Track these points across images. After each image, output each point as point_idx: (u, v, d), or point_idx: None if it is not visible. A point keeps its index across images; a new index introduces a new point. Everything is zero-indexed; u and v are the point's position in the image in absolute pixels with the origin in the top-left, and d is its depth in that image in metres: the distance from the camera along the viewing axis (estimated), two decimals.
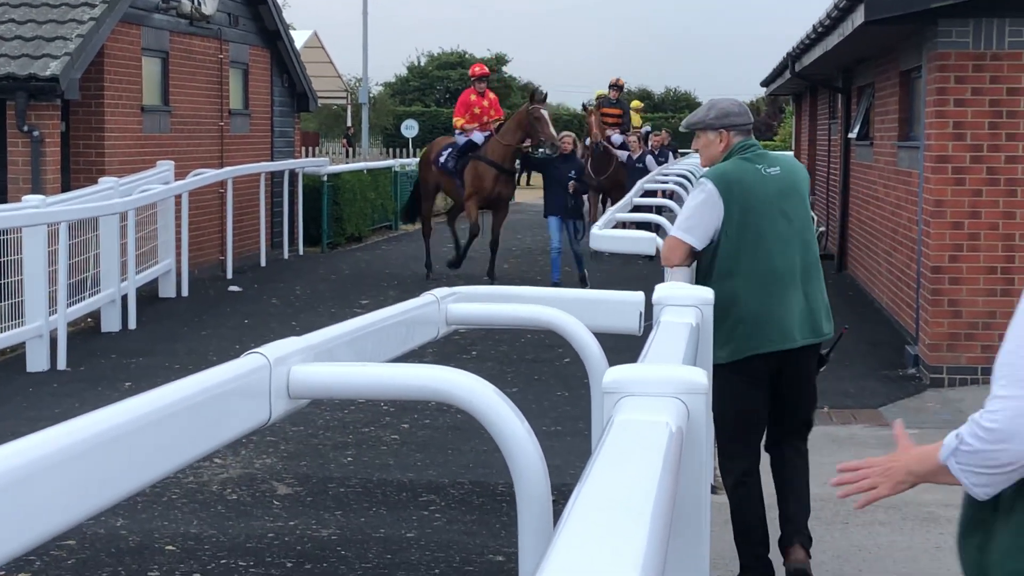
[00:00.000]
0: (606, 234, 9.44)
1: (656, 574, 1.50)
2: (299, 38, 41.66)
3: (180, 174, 18.45)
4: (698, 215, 6.32)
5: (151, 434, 2.28)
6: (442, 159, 18.89)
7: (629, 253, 15.70)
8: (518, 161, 19.42)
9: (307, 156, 33.48)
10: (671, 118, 76.70)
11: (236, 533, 7.68)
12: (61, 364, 12.79)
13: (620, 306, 4.44)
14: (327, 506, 8.24)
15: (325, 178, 24.21)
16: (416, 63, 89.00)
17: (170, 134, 19.70)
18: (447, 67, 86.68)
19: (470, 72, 19.94)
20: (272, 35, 23.83)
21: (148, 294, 17.06)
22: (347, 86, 65.44)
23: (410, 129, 51.90)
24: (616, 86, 26.26)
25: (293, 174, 23.42)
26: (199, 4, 20.03)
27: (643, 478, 1.90)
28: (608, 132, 24.20)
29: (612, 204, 21.66)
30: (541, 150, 18.19)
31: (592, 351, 3.99)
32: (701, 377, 2.60)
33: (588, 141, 23.78)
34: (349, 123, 59.54)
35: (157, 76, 19.64)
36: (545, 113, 18.04)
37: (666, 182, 17.06)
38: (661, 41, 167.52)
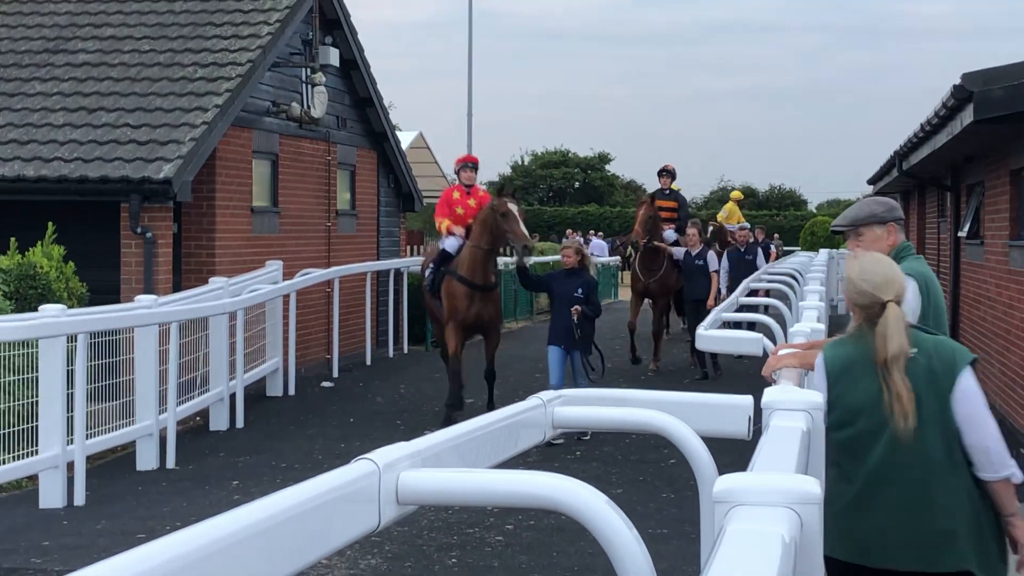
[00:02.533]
0: (712, 334, 9.39)
1: None
2: (405, 139, 42.24)
3: (288, 274, 18.72)
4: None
5: (263, 542, 2.29)
6: (426, 277, 16.07)
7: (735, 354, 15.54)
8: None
9: (412, 255, 33.79)
10: (775, 216, 76.41)
11: None
12: (171, 463, 12.95)
13: (728, 410, 4.39)
14: None
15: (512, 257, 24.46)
16: (520, 162, 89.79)
17: (279, 234, 20.02)
18: (550, 166, 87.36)
19: (455, 164, 16.49)
20: (379, 136, 24.21)
21: (256, 393, 17.25)
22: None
23: None
24: (666, 172, 21.85)
25: (398, 273, 23.63)
26: (309, 107, 20.43)
27: None
28: (661, 226, 20.36)
29: (657, 312, 20.58)
30: (512, 258, 15.53)
31: (701, 456, 3.95)
32: (814, 487, 2.57)
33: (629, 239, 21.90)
34: None
35: (267, 178, 20.01)
36: (514, 208, 14.46)
37: (772, 281, 16.82)
38: (766, 139, 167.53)
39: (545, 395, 4.25)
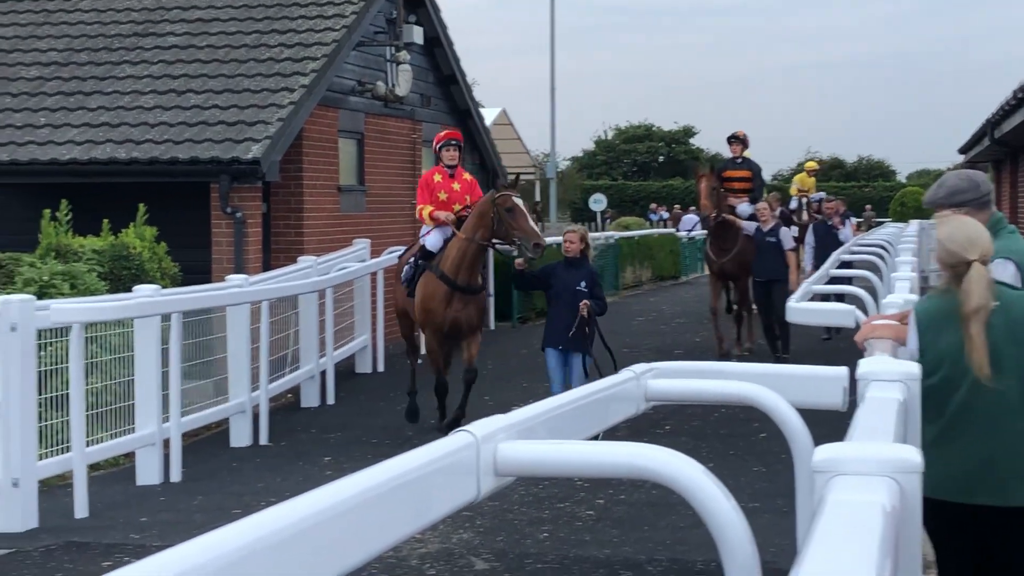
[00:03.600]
0: (803, 307, 9.32)
1: None
2: (488, 116, 42.31)
3: (375, 251, 18.83)
4: None
5: (363, 515, 2.32)
6: (404, 273, 13.93)
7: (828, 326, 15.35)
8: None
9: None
10: (864, 187, 75.61)
11: None
12: (263, 439, 13.11)
13: (823, 381, 4.37)
14: None
15: (515, 253, 24.38)
16: (603, 137, 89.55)
17: (365, 213, 20.15)
18: (634, 140, 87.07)
19: (435, 142, 14.10)
20: (463, 114, 24.27)
21: (345, 370, 17.39)
22: (535, 162, 66.15)
23: (598, 203, 52.14)
24: (737, 139, 19.29)
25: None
26: (393, 86, 20.52)
27: (860, 562, 1.87)
28: (732, 201, 18.49)
29: (738, 293, 18.71)
30: (515, 252, 13.10)
31: (796, 428, 3.94)
32: (914, 455, 2.55)
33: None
34: (538, 198, 60.06)
35: (353, 157, 20.15)
36: (519, 202, 12.69)
37: (862, 253, 16.49)
38: (854, 109, 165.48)
39: (638, 368, 4.25)
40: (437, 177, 13.62)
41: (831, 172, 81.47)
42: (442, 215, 13.25)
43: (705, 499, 2.73)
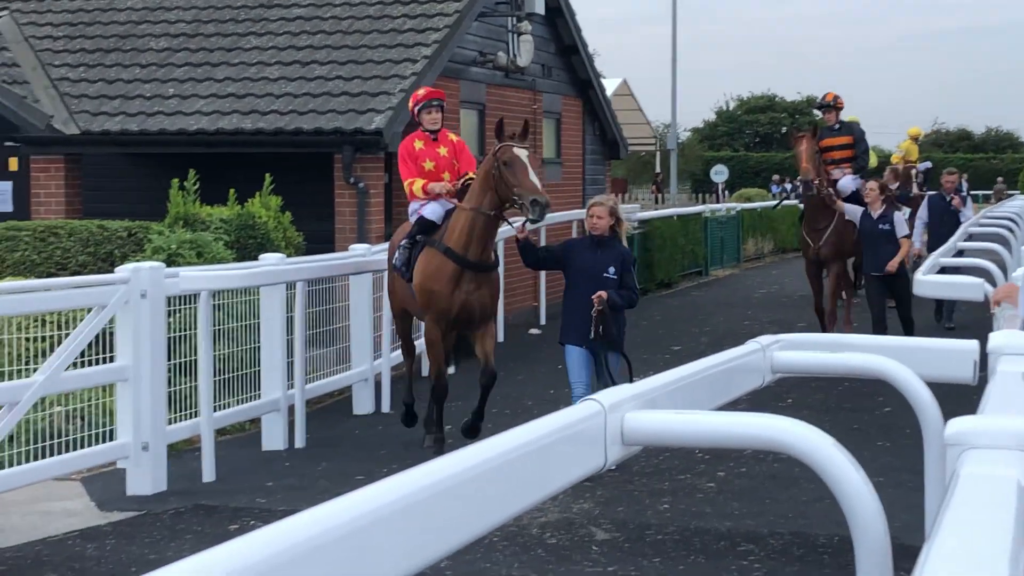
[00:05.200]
0: (931, 279, 9.17)
1: None
2: (609, 86, 42.17)
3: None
4: None
5: (493, 481, 2.34)
6: (396, 257, 11.67)
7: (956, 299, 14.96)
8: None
9: (620, 203, 33.76)
10: (991, 159, 74.06)
11: None
12: (385, 407, 13.26)
13: (953, 354, 4.31)
14: (645, 553, 8.24)
15: (636, 225, 24.32)
16: (725, 108, 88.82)
17: None
18: (756, 111, 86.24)
19: (411, 102, 11.92)
20: (584, 84, 24.19)
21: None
22: (656, 132, 65.86)
23: (719, 174, 51.78)
24: (828, 105, 17.00)
25: None
26: (515, 56, 20.53)
27: (994, 537, 1.84)
28: (833, 172, 16.17)
29: (830, 281, 16.08)
30: (531, 216, 10.51)
31: (925, 401, 3.88)
32: None
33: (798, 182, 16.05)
34: (658, 169, 59.80)
35: (474, 127, 20.19)
36: (522, 153, 10.58)
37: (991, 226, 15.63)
38: (982, 80, 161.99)
39: (764, 339, 4.22)
40: (418, 144, 11.49)
41: (958, 144, 79.94)
42: (437, 187, 11.22)
43: (836, 473, 2.71)
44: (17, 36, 20.09)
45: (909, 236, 15.11)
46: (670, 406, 3.16)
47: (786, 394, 13.37)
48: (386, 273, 12.38)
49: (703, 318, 20.76)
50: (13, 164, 19.64)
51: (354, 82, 17.56)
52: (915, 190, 22.45)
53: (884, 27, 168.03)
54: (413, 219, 11.38)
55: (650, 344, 17.36)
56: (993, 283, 9.93)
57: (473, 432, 10.89)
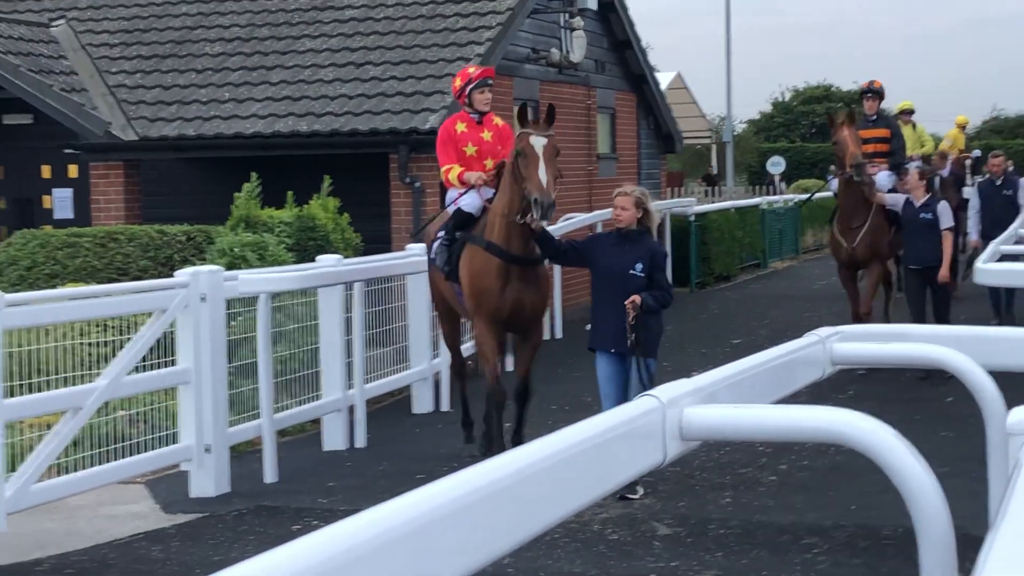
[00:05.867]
0: (995, 268, 9.06)
1: None
2: (663, 80, 42.05)
3: (552, 219, 18.85)
4: None
5: (551, 477, 2.34)
6: (433, 253, 10.90)
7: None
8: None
9: (671, 197, 33.70)
10: None
11: (618, 573, 7.75)
12: (444, 406, 13.28)
13: (1016, 343, 4.26)
14: (707, 547, 8.22)
15: (692, 218, 24.24)
16: (780, 99, 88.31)
17: None
18: (812, 101, 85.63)
19: (458, 79, 10.83)
20: (638, 79, 24.14)
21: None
22: (711, 125, 65.55)
23: (776, 165, 51.46)
24: (874, 92, 15.53)
25: (662, 217, 23.52)
26: (568, 52, 20.52)
27: None
28: (869, 168, 14.17)
29: (868, 284, 14.52)
30: (533, 216, 9.47)
31: (988, 391, 3.85)
32: None
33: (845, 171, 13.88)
34: (714, 162, 59.53)
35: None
36: (537, 143, 9.51)
37: None
38: None
39: (823, 331, 4.19)
40: (460, 126, 10.56)
41: (1018, 129, 79.02)
42: (473, 176, 10.34)
43: (898, 464, 2.69)
44: (74, 44, 20.31)
45: (953, 229, 13.85)
46: (729, 400, 3.15)
47: (847, 386, 13.28)
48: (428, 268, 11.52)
49: (762, 311, 20.65)
50: (73, 171, 19.86)
51: (408, 82, 17.62)
52: (968, 179, 21.54)
53: (942, 14, 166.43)
54: (451, 210, 10.60)
55: (709, 338, 17.30)
56: None
57: (517, 442, 9.87)
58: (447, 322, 11.58)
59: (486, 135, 10.60)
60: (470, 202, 10.43)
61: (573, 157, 21.49)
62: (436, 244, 10.73)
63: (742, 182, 60.59)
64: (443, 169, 10.59)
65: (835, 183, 14.35)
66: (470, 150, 10.53)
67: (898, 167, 14.78)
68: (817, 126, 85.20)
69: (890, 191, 14.40)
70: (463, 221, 10.41)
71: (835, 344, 4.15)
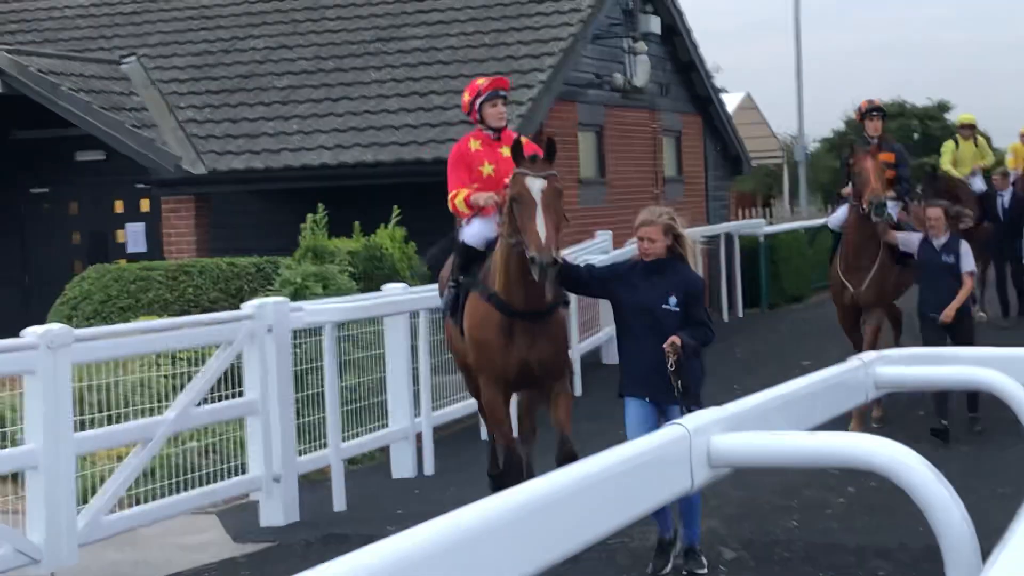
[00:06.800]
0: None
1: None
2: (732, 101, 41.91)
3: (617, 243, 18.91)
4: None
5: (582, 501, 2.42)
6: (444, 298, 9.52)
7: None
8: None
9: (743, 217, 33.58)
10: None
11: None
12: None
13: None
14: (773, 571, 8.21)
15: (762, 239, 24.16)
16: (853, 117, 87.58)
17: (604, 205, 20.24)
18: (889, 117, 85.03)
19: (467, 93, 9.36)
20: (703, 101, 24.15)
21: (591, 361, 17.53)
22: (782, 144, 65.16)
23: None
24: (878, 111, 13.70)
25: (729, 236, 23.49)
26: (631, 77, 20.59)
27: None
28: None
29: (869, 332, 12.49)
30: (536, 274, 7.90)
31: None
32: None
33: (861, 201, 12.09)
34: (785, 182, 59.15)
35: (592, 149, 20.30)
36: (534, 186, 8.04)
37: None
38: None
39: (867, 355, 4.23)
40: (474, 144, 9.13)
41: None
42: (482, 197, 8.72)
43: (924, 491, 2.74)
44: (145, 81, 20.65)
45: (973, 272, 12.25)
46: (765, 427, 3.19)
47: (906, 416, 13.12)
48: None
49: (835, 332, 20.40)
50: (145, 205, 20.19)
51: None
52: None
53: (1013, 26, 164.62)
54: (460, 237, 9.08)
55: (779, 359, 17.24)
56: None
57: None
58: (469, 374, 9.59)
59: (505, 151, 8.86)
60: (475, 233, 8.86)
61: (639, 181, 21.55)
62: (448, 289, 9.24)
63: (816, 201, 60.14)
64: (450, 196, 8.99)
65: (837, 215, 12.90)
66: (487, 169, 9.01)
67: (903, 195, 13.17)
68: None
69: (896, 225, 12.60)
70: (469, 258, 8.88)
71: (879, 368, 4.18)
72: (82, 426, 8.77)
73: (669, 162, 22.92)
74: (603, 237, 18.66)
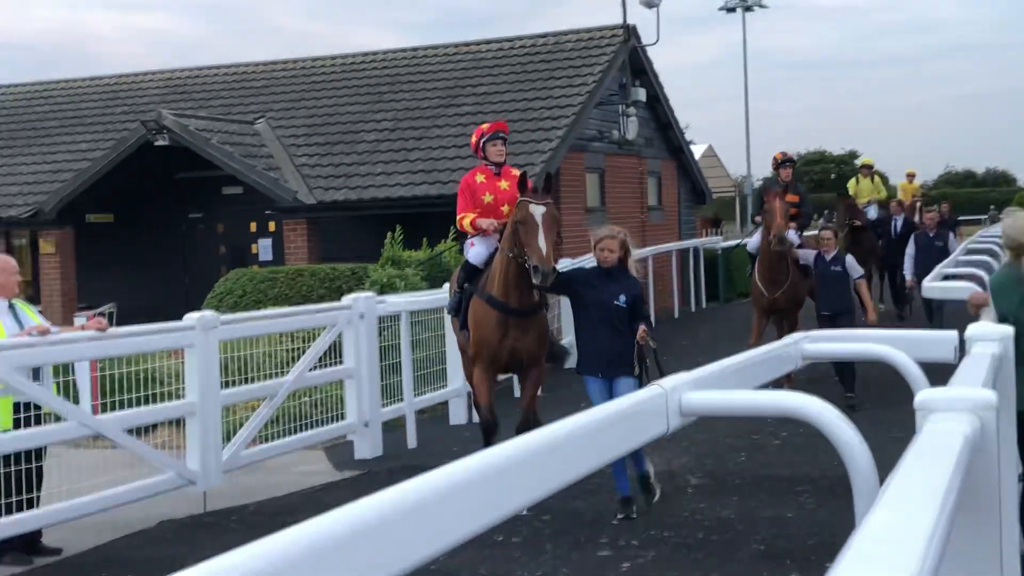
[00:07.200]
0: (936, 285, 8.95)
1: (941, 537, 1.49)
2: (698, 150, 41.77)
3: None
4: None
5: (587, 440, 2.40)
6: (450, 302, 9.25)
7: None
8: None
9: (706, 236, 33.39)
10: (990, 191, 71.44)
11: (662, 512, 7.75)
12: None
13: (939, 341, 4.24)
14: (727, 493, 8.19)
15: (719, 251, 24.10)
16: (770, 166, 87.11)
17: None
18: (811, 163, 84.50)
19: (474, 136, 8.80)
20: (677, 150, 24.05)
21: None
22: (735, 182, 64.80)
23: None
24: (789, 162, 13.13)
25: (696, 249, 23.40)
26: (624, 133, 20.53)
27: (936, 472, 1.87)
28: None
29: (787, 329, 11.54)
30: (536, 281, 7.61)
31: (918, 378, 3.84)
32: (991, 396, 2.50)
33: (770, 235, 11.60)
34: (737, 211, 58.83)
35: (596, 186, 20.25)
36: (536, 211, 7.69)
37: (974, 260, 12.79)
38: (986, 129, 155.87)
39: (796, 335, 4.19)
40: (480, 177, 8.61)
41: (964, 181, 77.22)
42: (484, 222, 8.37)
43: (837, 432, 2.72)
44: (271, 136, 20.74)
45: (864, 276, 11.87)
46: (722, 387, 3.17)
47: (826, 381, 13.01)
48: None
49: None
50: (272, 226, 20.29)
51: (508, 157, 17.72)
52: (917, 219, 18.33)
53: (907, 94, 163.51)
54: (465, 255, 8.75)
55: (733, 339, 17.03)
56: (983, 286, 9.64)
57: None
58: (468, 364, 8.96)
59: (503, 184, 8.55)
60: (477, 253, 8.53)
61: (630, 209, 21.48)
62: (454, 294, 8.93)
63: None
64: (459, 217, 8.57)
65: (753, 240, 12.45)
66: (487, 198, 8.52)
67: (803, 228, 12.79)
68: (815, 182, 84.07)
69: (798, 246, 12.24)
70: (471, 273, 8.53)
71: (805, 344, 4.16)
72: (226, 385, 8.83)
73: (652, 195, 22.85)
74: None
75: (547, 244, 7.53)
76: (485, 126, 8.81)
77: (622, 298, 7.51)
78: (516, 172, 8.42)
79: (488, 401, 8.31)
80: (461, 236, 8.82)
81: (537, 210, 7.67)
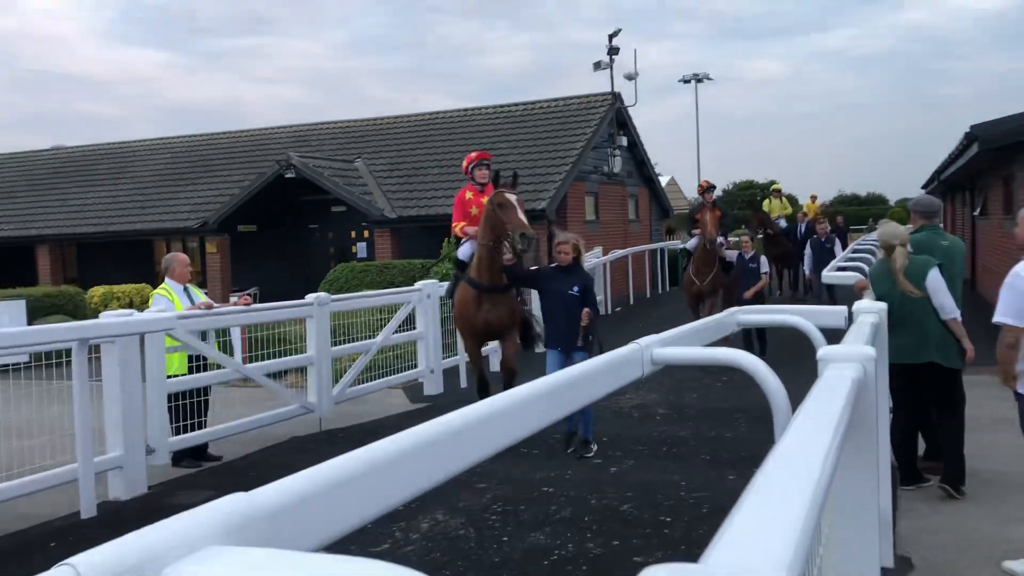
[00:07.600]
0: (833, 275, 8.83)
1: (833, 455, 1.48)
2: (664, 180, 41.40)
3: (604, 253, 18.76)
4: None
5: (587, 381, 2.39)
6: (446, 288, 8.96)
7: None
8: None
9: (669, 240, 33.12)
10: (870, 208, 70.45)
11: (637, 433, 7.70)
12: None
13: (835, 314, 4.18)
14: (684, 420, 8.13)
15: (680, 250, 23.85)
16: (728, 188, 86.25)
17: (599, 234, 20.09)
18: (743, 188, 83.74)
19: (465, 162, 8.30)
20: (649, 180, 23.85)
21: None
22: (690, 202, 64.16)
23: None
24: (710, 188, 12.34)
25: (663, 250, 23.23)
26: (612, 168, 20.38)
27: (833, 404, 1.86)
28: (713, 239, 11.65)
29: (715, 308, 11.16)
30: (520, 247, 7.03)
31: (819, 340, 3.80)
32: (872, 351, 2.47)
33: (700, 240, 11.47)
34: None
35: (592, 206, 20.13)
36: (512, 198, 7.18)
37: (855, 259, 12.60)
38: (871, 158, 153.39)
39: (732, 310, 4.14)
40: (468, 195, 8.19)
41: (853, 201, 76.14)
42: (471, 229, 7.98)
43: (764, 377, 2.71)
44: (366, 171, 20.75)
45: (768, 273, 11.51)
46: (682, 344, 3.14)
47: (757, 342, 12.83)
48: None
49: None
50: (366, 234, 20.32)
51: (530, 185, 17.64)
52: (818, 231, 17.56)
53: (812, 137, 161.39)
54: (458, 254, 8.14)
55: (678, 316, 16.95)
56: (865, 275, 9.49)
57: None
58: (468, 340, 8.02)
59: (486, 200, 7.75)
60: (463, 251, 8.01)
61: (617, 222, 21.35)
62: (449, 282, 8.50)
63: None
64: (453, 224, 8.18)
65: (691, 243, 12.11)
66: (474, 211, 8.05)
67: (725, 234, 12.05)
68: (748, 202, 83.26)
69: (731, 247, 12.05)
70: (461, 266, 7.95)
71: (739, 316, 4.11)
72: (335, 344, 8.85)
73: (631, 212, 22.70)
74: (597, 251, 18.50)
75: (524, 217, 7.10)
76: (473, 154, 8.29)
77: (575, 288, 7.01)
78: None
79: (479, 365, 7.78)
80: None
81: (511, 196, 7.17)
